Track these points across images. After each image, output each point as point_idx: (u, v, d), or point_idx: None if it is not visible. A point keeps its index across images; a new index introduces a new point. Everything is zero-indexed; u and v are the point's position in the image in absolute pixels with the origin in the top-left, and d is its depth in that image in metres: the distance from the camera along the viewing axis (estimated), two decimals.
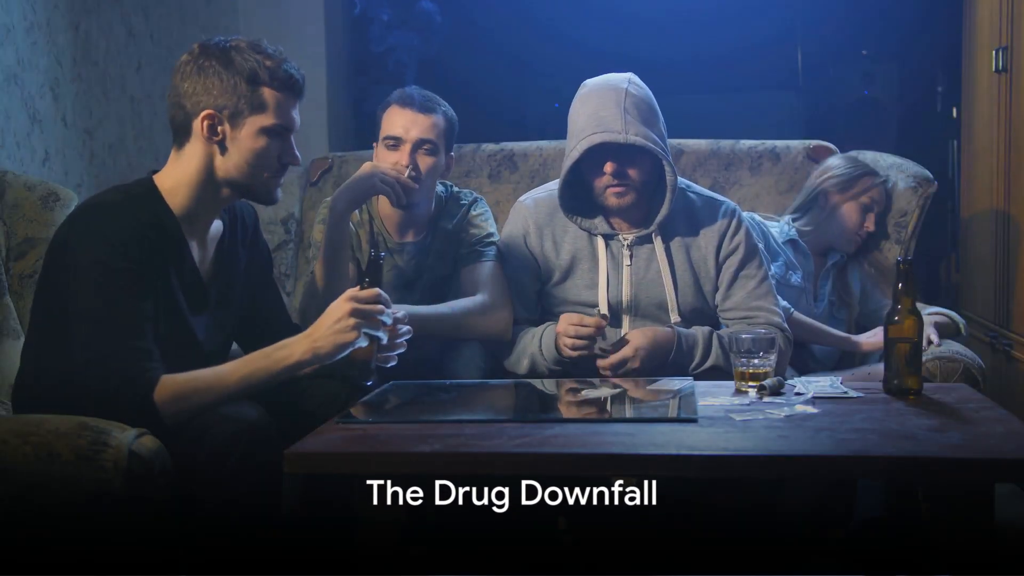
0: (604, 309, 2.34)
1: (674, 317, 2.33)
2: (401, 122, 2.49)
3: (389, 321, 1.91)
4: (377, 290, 1.89)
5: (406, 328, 1.99)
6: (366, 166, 2.46)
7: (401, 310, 2.04)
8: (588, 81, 2.37)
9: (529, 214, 2.45)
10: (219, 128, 1.89)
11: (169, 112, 1.93)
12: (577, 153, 2.25)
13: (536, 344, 2.32)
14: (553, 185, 2.43)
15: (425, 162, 2.49)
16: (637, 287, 2.36)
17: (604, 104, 2.26)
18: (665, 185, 2.31)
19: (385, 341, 1.93)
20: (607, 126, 2.23)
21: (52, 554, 1.70)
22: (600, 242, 2.38)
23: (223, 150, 1.90)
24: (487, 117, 2.66)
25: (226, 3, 3.73)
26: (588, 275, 2.38)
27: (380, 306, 1.88)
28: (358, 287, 1.90)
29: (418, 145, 2.48)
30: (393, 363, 2.00)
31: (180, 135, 1.92)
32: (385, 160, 2.50)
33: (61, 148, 2.75)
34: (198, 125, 1.89)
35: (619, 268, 2.37)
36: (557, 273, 2.42)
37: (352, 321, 1.85)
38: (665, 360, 2.25)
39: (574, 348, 2.22)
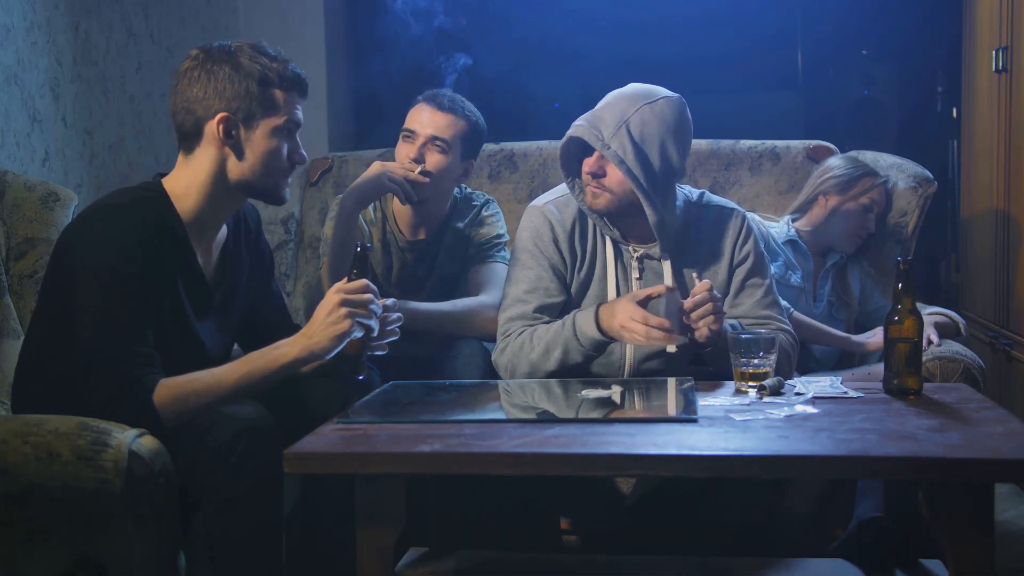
0: None
1: (671, 348, 2.25)
2: (420, 117, 2.53)
3: (379, 311, 1.92)
4: (364, 280, 1.90)
5: (396, 315, 2.00)
6: (375, 165, 2.48)
7: (401, 305, 2.05)
8: (636, 84, 2.30)
9: (552, 215, 2.34)
10: (234, 131, 1.90)
11: (176, 119, 1.92)
12: (565, 138, 2.25)
13: (569, 330, 2.20)
14: (562, 188, 2.39)
15: (434, 159, 2.51)
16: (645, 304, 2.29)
17: (614, 105, 2.22)
18: (673, 203, 2.26)
19: (377, 331, 1.94)
20: (596, 124, 2.20)
21: (51, 554, 1.70)
22: (611, 254, 2.33)
23: (238, 153, 1.92)
24: (487, 117, 2.66)
25: (226, 3, 3.73)
26: (598, 286, 2.34)
27: (369, 295, 1.89)
28: (345, 279, 1.91)
29: (430, 141, 2.50)
30: (384, 351, 2.01)
31: (190, 140, 1.92)
32: (399, 153, 2.54)
33: (61, 148, 2.74)
34: (213, 128, 1.89)
35: (628, 281, 2.33)
36: (576, 281, 2.34)
37: (344, 311, 1.86)
38: None
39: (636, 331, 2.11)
